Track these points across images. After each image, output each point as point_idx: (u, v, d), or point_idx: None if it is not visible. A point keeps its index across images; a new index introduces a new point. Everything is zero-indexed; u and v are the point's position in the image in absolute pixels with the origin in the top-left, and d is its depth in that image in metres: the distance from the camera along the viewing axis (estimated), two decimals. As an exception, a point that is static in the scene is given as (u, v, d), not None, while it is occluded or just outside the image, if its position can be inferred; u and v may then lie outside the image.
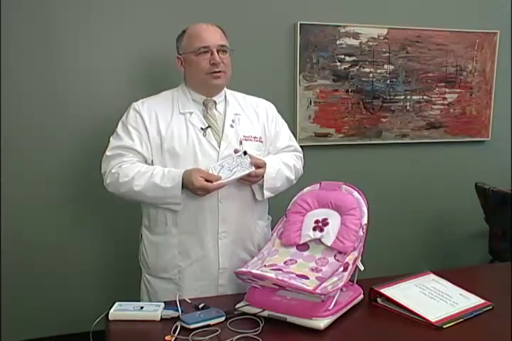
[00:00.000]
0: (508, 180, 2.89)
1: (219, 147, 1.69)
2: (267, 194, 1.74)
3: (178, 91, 1.78)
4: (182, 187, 1.59)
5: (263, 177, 1.69)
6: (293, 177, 1.82)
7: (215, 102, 1.77)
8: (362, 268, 1.42)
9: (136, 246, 1.85)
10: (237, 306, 1.39)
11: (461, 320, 1.35)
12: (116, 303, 1.40)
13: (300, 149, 1.94)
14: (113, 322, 1.33)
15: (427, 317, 1.33)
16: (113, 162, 1.68)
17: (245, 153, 1.60)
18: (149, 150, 1.69)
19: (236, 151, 1.62)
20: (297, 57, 2.54)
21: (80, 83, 2.26)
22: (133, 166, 1.66)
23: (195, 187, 1.55)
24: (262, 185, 1.72)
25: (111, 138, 1.74)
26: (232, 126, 1.74)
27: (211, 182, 1.56)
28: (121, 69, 2.30)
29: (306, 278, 1.36)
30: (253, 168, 1.60)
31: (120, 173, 1.65)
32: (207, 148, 1.69)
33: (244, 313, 1.37)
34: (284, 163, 1.79)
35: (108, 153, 1.72)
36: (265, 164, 1.67)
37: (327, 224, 1.48)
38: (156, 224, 1.74)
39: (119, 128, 1.74)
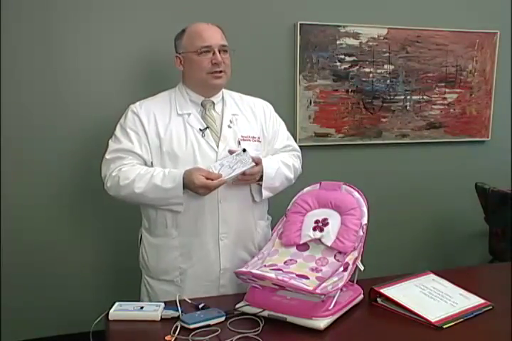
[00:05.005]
0: (508, 180, 2.89)
1: (217, 148, 1.69)
2: (266, 194, 1.74)
3: (175, 92, 1.78)
4: (183, 187, 1.59)
5: (261, 178, 1.69)
6: (292, 176, 1.82)
7: (213, 103, 1.77)
8: (362, 268, 1.42)
9: (136, 246, 1.85)
10: (237, 306, 1.39)
11: (461, 320, 1.35)
12: (116, 303, 1.41)
13: (298, 148, 1.94)
14: (113, 322, 1.34)
15: (427, 317, 1.33)
16: (113, 165, 1.68)
17: (244, 150, 1.60)
18: (148, 153, 1.69)
19: (231, 152, 1.63)
20: (297, 57, 2.54)
21: (80, 83, 2.26)
22: (133, 169, 1.65)
23: (197, 185, 1.55)
24: (261, 186, 1.72)
25: (110, 141, 1.74)
26: (230, 126, 1.74)
27: (212, 180, 1.56)
28: (121, 69, 2.30)
29: (306, 278, 1.36)
30: (254, 164, 1.61)
31: (120, 176, 1.64)
32: (206, 149, 1.69)
33: (244, 313, 1.37)
34: (282, 162, 1.79)
35: (107, 156, 1.71)
36: (260, 161, 1.67)
37: (327, 224, 1.48)
38: (156, 226, 1.74)
39: (118, 131, 1.73)
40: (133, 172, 1.64)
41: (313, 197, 1.56)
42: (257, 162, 1.65)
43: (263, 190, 1.72)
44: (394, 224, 2.87)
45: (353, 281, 1.47)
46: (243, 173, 1.61)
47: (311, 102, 2.62)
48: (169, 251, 1.72)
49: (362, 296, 1.47)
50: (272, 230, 1.67)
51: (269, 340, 1.24)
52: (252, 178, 1.67)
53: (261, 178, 1.70)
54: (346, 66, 2.65)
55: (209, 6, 2.34)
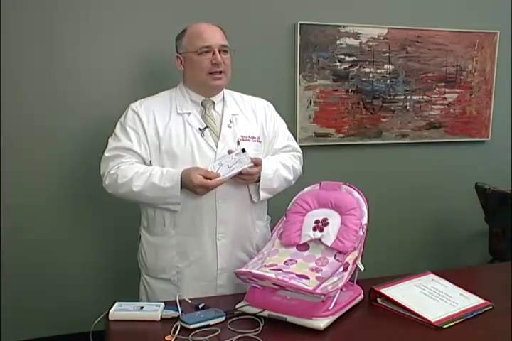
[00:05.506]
0: (508, 180, 2.89)
1: (216, 147, 1.69)
2: (264, 195, 1.74)
3: (176, 92, 1.78)
4: (181, 186, 1.59)
5: (259, 179, 1.69)
6: (291, 177, 1.82)
7: (213, 102, 1.77)
8: (362, 268, 1.42)
9: (136, 246, 1.85)
10: (237, 306, 1.39)
11: (461, 320, 1.35)
12: (116, 303, 1.41)
13: (299, 149, 1.94)
14: (113, 322, 1.34)
15: (427, 317, 1.33)
16: (111, 163, 1.68)
17: (244, 150, 1.60)
18: (147, 151, 1.69)
19: (230, 152, 1.63)
20: (297, 57, 2.54)
21: (79, 83, 2.26)
22: (131, 167, 1.65)
23: (195, 185, 1.55)
24: (258, 187, 1.72)
25: (109, 139, 1.74)
26: (229, 126, 1.74)
27: (210, 179, 1.56)
28: (121, 69, 2.30)
29: (306, 278, 1.36)
30: (252, 164, 1.61)
31: (119, 174, 1.65)
32: (205, 148, 1.69)
33: (244, 313, 1.37)
34: (281, 163, 1.79)
35: (106, 154, 1.72)
36: (260, 163, 1.67)
37: (327, 224, 1.48)
38: (155, 225, 1.74)
39: (117, 129, 1.74)
40: (131, 170, 1.64)
41: (313, 197, 1.56)
42: (257, 163, 1.65)
43: (260, 191, 1.72)
44: (394, 224, 2.87)
45: (353, 281, 1.47)
46: (241, 173, 1.61)
47: (311, 102, 2.62)
48: (167, 250, 1.72)
49: (362, 296, 1.47)
50: (271, 230, 1.67)
51: (269, 340, 1.24)
52: (250, 178, 1.67)
53: (259, 179, 1.70)
54: (346, 66, 2.65)
55: (209, 6, 2.34)
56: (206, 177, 1.56)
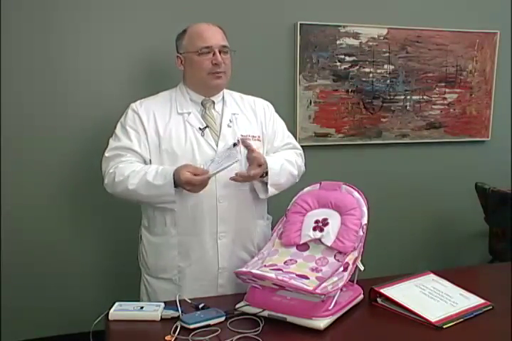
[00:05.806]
0: (508, 180, 2.89)
1: (217, 147, 1.69)
2: (272, 191, 1.73)
3: (176, 92, 1.79)
4: (176, 185, 1.59)
5: (264, 175, 1.69)
6: (296, 172, 1.82)
7: (213, 102, 1.77)
8: (362, 268, 1.42)
9: (136, 246, 1.85)
10: (237, 306, 1.39)
11: (461, 320, 1.35)
12: (116, 303, 1.41)
13: (299, 147, 1.94)
14: (113, 322, 1.34)
15: (427, 317, 1.33)
16: (112, 163, 1.69)
17: (235, 144, 1.60)
18: (147, 151, 1.70)
19: (235, 145, 1.63)
20: (297, 57, 2.54)
21: (80, 83, 2.26)
22: (129, 166, 1.66)
23: (182, 182, 1.55)
24: (265, 183, 1.71)
25: (110, 140, 1.75)
26: (229, 125, 1.74)
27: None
28: (121, 69, 2.30)
29: (306, 278, 1.36)
30: (239, 157, 1.60)
31: (116, 173, 1.65)
32: (205, 148, 1.69)
33: (244, 313, 1.37)
34: (286, 159, 1.79)
35: (107, 154, 1.72)
36: (265, 162, 1.67)
37: (327, 224, 1.48)
38: (155, 225, 1.74)
39: (118, 129, 1.74)
40: (129, 169, 1.64)
41: (313, 197, 1.56)
42: (261, 163, 1.65)
43: (269, 187, 1.71)
44: (394, 224, 2.87)
45: (353, 281, 1.47)
46: (249, 174, 1.61)
47: (311, 102, 2.62)
48: (168, 250, 1.72)
49: (362, 296, 1.47)
50: (271, 230, 1.67)
51: (269, 340, 1.24)
52: (251, 179, 1.67)
53: (262, 176, 1.69)
54: (346, 66, 2.65)
55: (209, 6, 2.34)
56: (196, 174, 1.55)
